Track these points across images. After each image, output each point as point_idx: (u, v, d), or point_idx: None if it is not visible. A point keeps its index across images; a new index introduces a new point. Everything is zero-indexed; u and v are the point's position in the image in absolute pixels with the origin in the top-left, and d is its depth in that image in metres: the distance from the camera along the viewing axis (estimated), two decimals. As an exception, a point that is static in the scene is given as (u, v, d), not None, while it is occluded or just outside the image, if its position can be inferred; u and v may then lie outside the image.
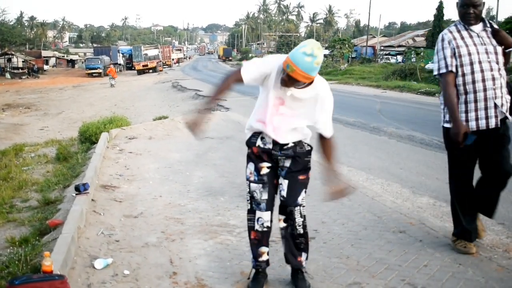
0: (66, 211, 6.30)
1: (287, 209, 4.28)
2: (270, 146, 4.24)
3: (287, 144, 4.22)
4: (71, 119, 25.40)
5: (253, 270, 4.51)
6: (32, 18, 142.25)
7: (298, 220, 4.32)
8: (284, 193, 4.29)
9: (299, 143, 4.27)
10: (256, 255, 4.45)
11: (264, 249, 4.44)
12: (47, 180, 8.99)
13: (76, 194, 6.96)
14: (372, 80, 44.22)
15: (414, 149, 11.96)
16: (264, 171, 4.29)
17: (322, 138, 4.29)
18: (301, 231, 4.36)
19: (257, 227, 4.36)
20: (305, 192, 4.34)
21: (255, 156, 4.32)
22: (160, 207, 7.04)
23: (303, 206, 4.33)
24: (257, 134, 4.29)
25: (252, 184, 4.32)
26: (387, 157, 10.88)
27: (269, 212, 4.34)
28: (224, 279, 4.70)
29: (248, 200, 4.39)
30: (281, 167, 4.30)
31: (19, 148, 13.59)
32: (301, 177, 4.29)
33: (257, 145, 4.29)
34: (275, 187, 4.37)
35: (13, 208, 7.49)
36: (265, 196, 4.29)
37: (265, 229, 4.36)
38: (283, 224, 4.38)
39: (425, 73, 43.21)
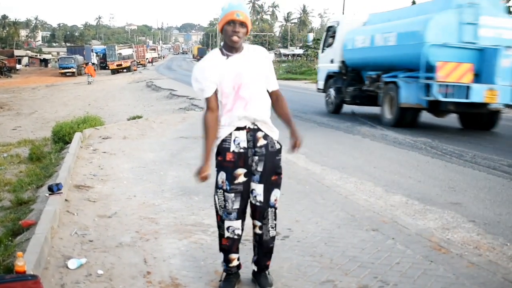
0: (39, 211, 6.26)
1: (265, 212, 4.27)
2: (245, 145, 4.16)
3: (259, 141, 4.17)
4: (44, 119, 25.15)
5: (224, 273, 4.53)
6: (4, 17, 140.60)
7: (271, 222, 4.32)
8: (260, 198, 4.23)
9: (270, 141, 4.22)
10: (226, 261, 4.44)
11: (234, 255, 4.41)
12: (20, 180, 8.92)
13: (50, 194, 6.91)
14: (346, 80, 44.40)
15: (387, 148, 12.06)
16: (241, 179, 4.18)
17: (273, 96, 4.30)
18: (274, 233, 4.38)
19: (227, 234, 4.31)
20: (279, 193, 4.34)
21: (228, 163, 4.18)
22: (134, 207, 7.02)
23: (276, 208, 4.33)
24: (229, 138, 4.18)
25: (225, 194, 4.21)
26: (360, 156, 10.96)
27: (239, 221, 4.28)
28: (198, 278, 4.71)
29: (219, 209, 4.29)
30: (253, 171, 4.21)
31: (-9, 148, 13.45)
32: (273, 177, 4.26)
33: (231, 150, 4.17)
34: (248, 195, 4.29)
35: (-15, 209, 7.42)
36: (236, 205, 4.21)
37: (236, 236, 4.32)
38: (258, 231, 4.35)
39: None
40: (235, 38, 4.03)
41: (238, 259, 4.46)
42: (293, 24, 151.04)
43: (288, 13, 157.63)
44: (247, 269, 4.67)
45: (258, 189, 4.22)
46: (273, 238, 4.40)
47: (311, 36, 37.99)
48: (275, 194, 4.30)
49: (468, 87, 13.41)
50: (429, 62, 13.78)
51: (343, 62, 18.63)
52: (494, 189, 8.19)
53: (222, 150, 4.21)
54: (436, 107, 14.47)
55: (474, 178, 8.95)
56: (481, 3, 14.25)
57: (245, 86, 4.12)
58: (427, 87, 13.91)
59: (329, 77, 19.58)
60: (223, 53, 4.17)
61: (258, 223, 4.33)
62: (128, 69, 71.26)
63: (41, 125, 22.33)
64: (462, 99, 13.52)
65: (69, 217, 6.46)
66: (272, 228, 4.35)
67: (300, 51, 75.42)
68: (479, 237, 5.87)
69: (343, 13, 71.05)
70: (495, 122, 15.18)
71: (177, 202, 7.27)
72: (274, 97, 4.31)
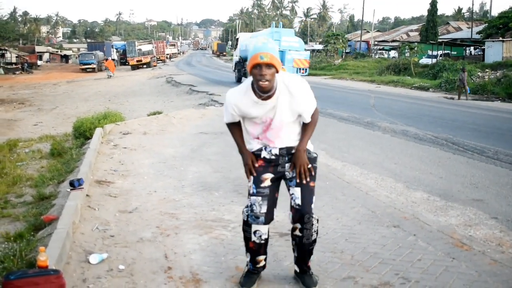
0: (61, 207, 6.30)
1: (305, 217, 4.22)
2: (276, 151, 4.20)
3: (293, 147, 4.21)
4: (65, 115, 25.30)
5: (246, 269, 4.53)
6: (25, 14, 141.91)
7: (315, 226, 4.29)
8: (298, 201, 4.21)
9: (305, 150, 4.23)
10: (253, 262, 4.44)
11: (261, 257, 4.43)
12: (41, 175, 8.98)
13: (71, 190, 6.96)
14: (366, 75, 44.33)
15: (408, 143, 11.99)
16: (267, 183, 4.21)
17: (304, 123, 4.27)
18: (315, 236, 4.35)
19: (254, 239, 4.30)
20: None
21: (258, 168, 4.24)
22: (155, 202, 7.04)
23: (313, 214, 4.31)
24: (260, 148, 4.26)
25: (251, 197, 4.22)
26: (381, 152, 10.90)
27: (267, 226, 4.29)
28: (219, 274, 4.71)
29: (246, 212, 4.27)
30: (288, 177, 4.24)
31: (13, 143, 13.55)
32: (311, 184, 4.25)
33: (262, 156, 4.24)
34: (275, 200, 4.32)
35: (7, 204, 7.48)
36: (264, 209, 4.20)
37: (263, 241, 4.32)
38: (298, 233, 4.31)
39: (419, 68, 43.28)
40: (262, 83, 3.91)
41: (265, 260, 4.48)
42: (312, 20, 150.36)
43: (307, 9, 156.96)
44: (269, 265, 4.67)
45: (296, 192, 4.22)
46: (314, 241, 4.37)
47: None
48: (313, 200, 4.27)
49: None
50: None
51: (240, 56, 34.69)
52: (517, 185, 8.12)
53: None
54: None
55: (497, 174, 8.87)
56: (282, 31, 30.85)
57: (275, 126, 4.16)
58: None
59: (236, 64, 35.86)
60: (255, 92, 4.08)
61: (298, 226, 4.28)
62: (148, 65, 71.26)
63: (62, 121, 22.50)
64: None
65: (90, 212, 6.50)
66: (314, 231, 4.32)
67: (320, 47, 75.11)
68: (502, 234, 5.81)
69: (363, 8, 72.43)
70: None
71: (198, 198, 7.27)
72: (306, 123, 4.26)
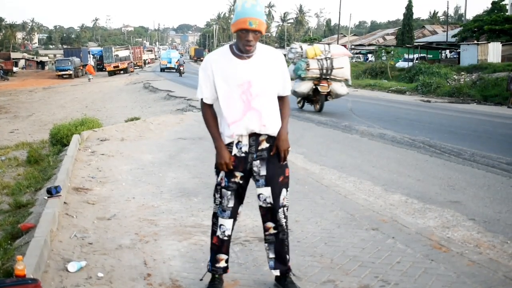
0: (38, 214, 6.24)
1: (278, 213, 4.26)
2: (246, 149, 4.14)
3: (262, 144, 4.15)
4: (41, 122, 25.09)
5: (208, 274, 4.48)
6: (0, 20, 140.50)
7: (282, 221, 4.29)
8: (270, 200, 4.22)
9: (273, 142, 4.18)
10: (213, 260, 4.41)
11: (222, 256, 4.39)
12: (18, 183, 8.89)
13: (48, 197, 6.89)
14: (344, 79, 44.49)
15: (385, 146, 12.07)
16: (237, 180, 4.19)
17: (280, 99, 4.26)
18: (286, 230, 4.37)
19: (218, 233, 4.30)
20: (287, 191, 4.31)
21: (232, 163, 4.16)
22: (133, 209, 7.00)
23: (286, 207, 4.31)
24: (231, 142, 4.15)
25: (223, 190, 4.22)
26: (359, 155, 10.96)
27: (231, 220, 4.28)
28: (198, 280, 4.69)
29: (216, 205, 4.29)
30: (256, 177, 4.21)
31: (-11, 151, 13.41)
32: (280, 179, 4.24)
33: (233, 154, 4.15)
34: (242, 198, 4.31)
35: (-17, 213, 7.40)
36: (231, 203, 4.21)
37: (225, 237, 4.31)
38: (273, 231, 4.33)
39: (396, 72, 43.63)
40: (248, 48, 3.98)
41: (226, 261, 4.44)
42: (289, 24, 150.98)
43: (284, 13, 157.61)
44: (248, 270, 4.66)
45: (265, 192, 4.21)
46: (287, 236, 4.40)
47: None
48: (283, 194, 4.27)
49: (167, 64, 71.56)
50: (161, 60, 76.65)
51: (161, 61, 76.07)
52: (493, 187, 8.20)
53: None
54: (165, 69, 71.36)
55: (473, 176, 8.95)
56: (171, 50, 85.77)
57: (256, 97, 4.08)
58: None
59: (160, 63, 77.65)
60: (233, 53, 4.09)
61: (272, 224, 4.31)
62: (125, 70, 70.93)
63: (39, 128, 22.31)
64: (166, 66, 70.82)
65: (68, 219, 6.44)
66: (286, 225, 4.35)
67: (297, 51, 75.60)
68: (479, 235, 5.87)
69: (339, 12, 73.03)
70: (182, 73, 56.97)
71: (176, 204, 7.25)
72: (280, 100, 4.27)
